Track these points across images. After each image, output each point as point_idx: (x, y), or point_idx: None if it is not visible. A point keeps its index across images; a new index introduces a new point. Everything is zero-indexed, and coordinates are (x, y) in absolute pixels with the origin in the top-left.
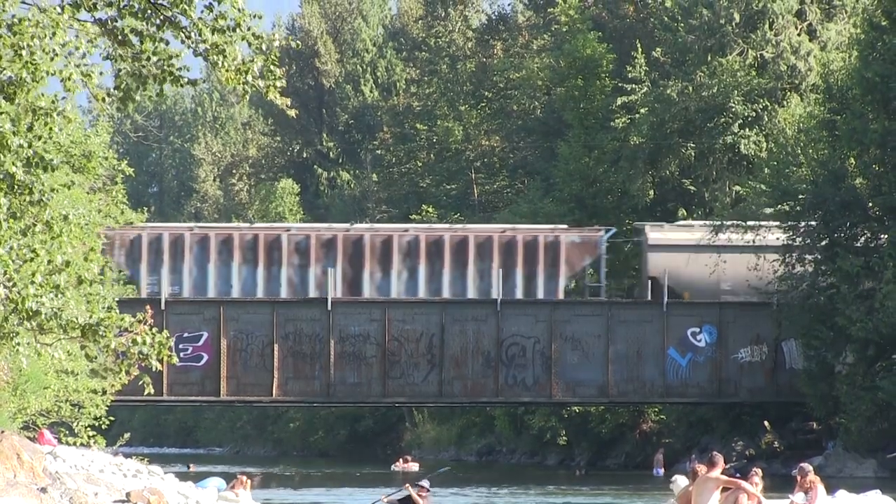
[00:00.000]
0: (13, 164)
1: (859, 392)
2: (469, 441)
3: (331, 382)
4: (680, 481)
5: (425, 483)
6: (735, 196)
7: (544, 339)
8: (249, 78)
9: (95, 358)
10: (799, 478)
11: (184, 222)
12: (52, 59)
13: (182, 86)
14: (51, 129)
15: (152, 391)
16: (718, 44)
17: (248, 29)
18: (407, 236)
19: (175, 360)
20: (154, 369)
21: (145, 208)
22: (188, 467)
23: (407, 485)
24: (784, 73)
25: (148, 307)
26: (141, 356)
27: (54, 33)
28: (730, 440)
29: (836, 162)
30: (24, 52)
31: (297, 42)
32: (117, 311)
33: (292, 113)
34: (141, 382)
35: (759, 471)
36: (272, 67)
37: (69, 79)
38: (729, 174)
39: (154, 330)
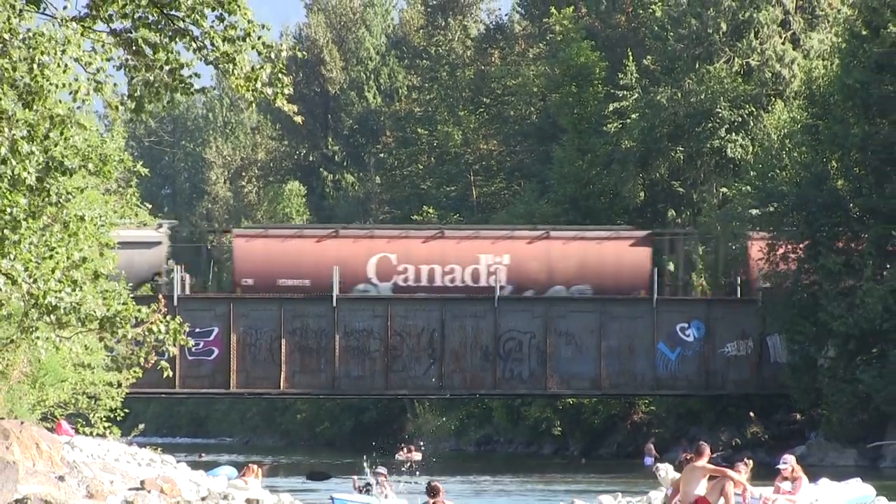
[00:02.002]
0: (24, 169)
1: (841, 384)
2: (468, 431)
3: (336, 375)
4: (663, 470)
5: (383, 470)
6: (722, 197)
7: (540, 334)
8: (258, 85)
9: (113, 349)
10: (783, 470)
11: (194, 222)
12: (63, 71)
13: (192, 94)
14: (66, 138)
15: (171, 374)
16: (706, 52)
17: (259, 38)
18: None
19: (191, 342)
20: (170, 355)
21: (157, 215)
22: (200, 456)
23: (382, 478)
24: (769, 80)
25: (161, 297)
26: (157, 343)
27: (64, 50)
28: (717, 430)
29: (819, 165)
30: (35, 66)
31: (303, 52)
32: (133, 303)
33: (299, 119)
34: (159, 367)
35: (750, 462)
36: (280, 76)
37: (78, 91)
38: (716, 176)
39: (168, 318)
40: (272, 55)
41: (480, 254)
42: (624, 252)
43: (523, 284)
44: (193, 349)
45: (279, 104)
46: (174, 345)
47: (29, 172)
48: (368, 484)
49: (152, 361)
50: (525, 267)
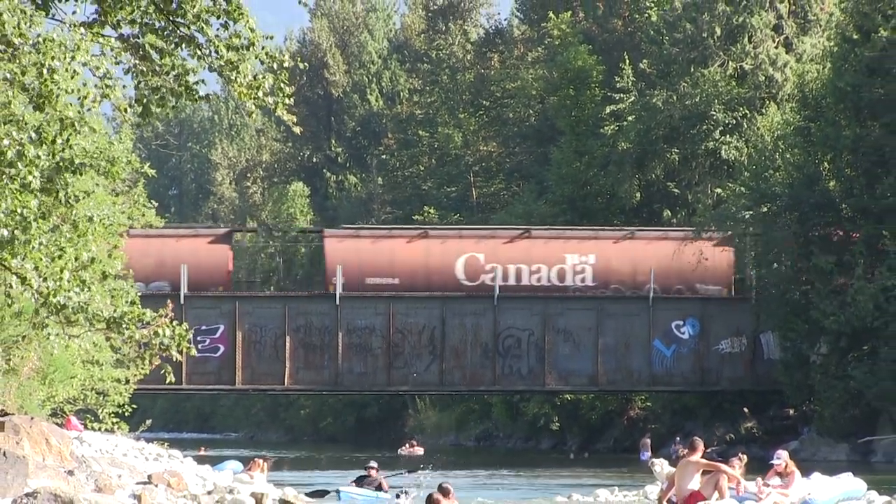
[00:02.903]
0: (30, 173)
1: (832, 381)
2: (468, 427)
3: (339, 372)
4: (658, 465)
5: (374, 464)
6: (716, 198)
7: (538, 331)
8: (260, 94)
9: (119, 349)
10: (776, 465)
11: (201, 223)
12: (72, 77)
13: (197, 101)
14: (70, 146)
15: (173, 380)
16: (701, 56)
17: (262, 48)
18: None
19: (194, 351)
20: (174, 360)
21: (164, 216)
22: (201, 450)
23: (374, 471)
24: (762, 84)
25: (169, 301)
26: (162, 347)
27: (73, 56)
28: (711, 426)
29: (811, 166)
30: (45, 71)
31: (304, 63)
32: (139, 305)
33: (297, 130)
34: (162, 372)
35: (744, 456)
36: (282, 85)
37: (86, 97)
38: (711, 178)
39: (174, 323)
40: (274, 65)
41: None
42: (200, 249)
43: None
44: (200, 346)
45: (279, 113)
46: (177, 351)
47: (35, 176)
48: (366, 475)
49: (156, 364)
50: None
